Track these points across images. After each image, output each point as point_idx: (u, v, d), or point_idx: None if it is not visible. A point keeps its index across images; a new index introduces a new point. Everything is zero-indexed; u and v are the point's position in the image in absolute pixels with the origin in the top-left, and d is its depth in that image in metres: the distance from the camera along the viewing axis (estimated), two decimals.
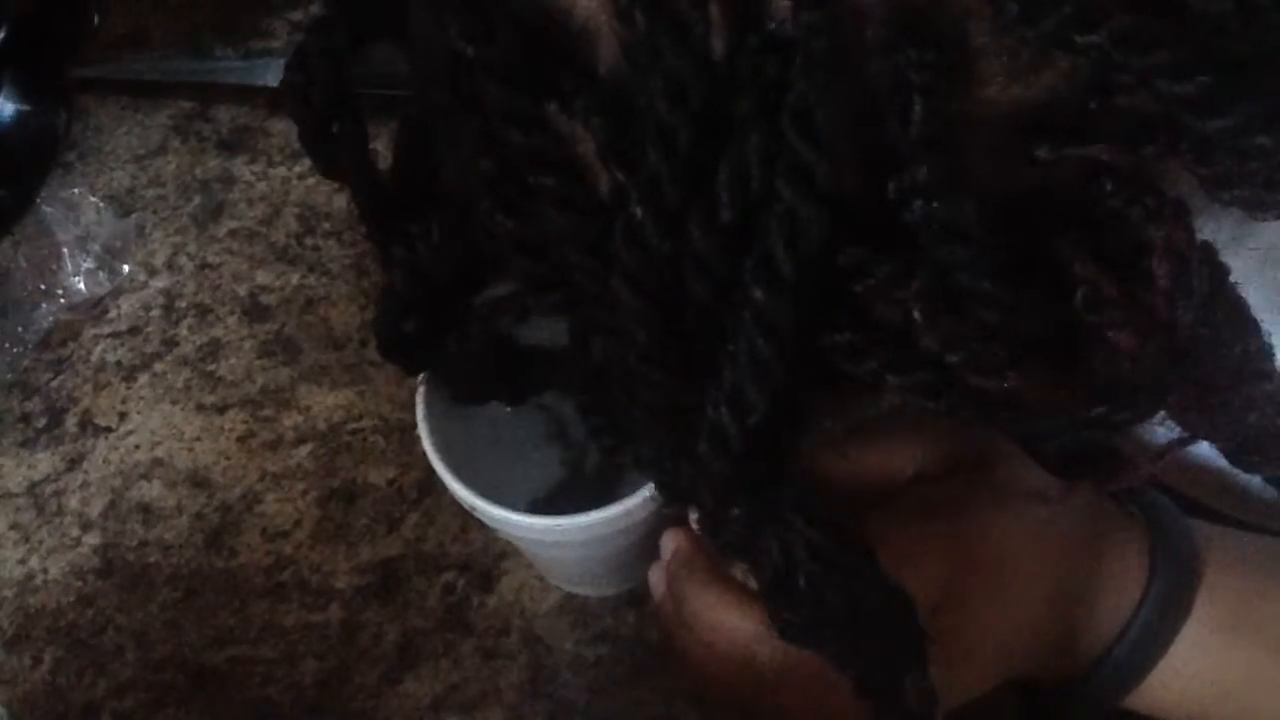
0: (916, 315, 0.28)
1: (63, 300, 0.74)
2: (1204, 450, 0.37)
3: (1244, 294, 0.32)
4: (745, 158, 0.26)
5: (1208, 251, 0.31)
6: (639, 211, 0.27)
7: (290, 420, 0.70)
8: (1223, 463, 0.37)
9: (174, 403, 0.72)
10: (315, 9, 0.87)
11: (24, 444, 0.71)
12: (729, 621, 0.46)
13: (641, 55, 0.26)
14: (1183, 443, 0.36)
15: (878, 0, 0.25)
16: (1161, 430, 0.35)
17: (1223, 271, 0.32)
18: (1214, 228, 0.31)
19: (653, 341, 0.30)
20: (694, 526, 0.50)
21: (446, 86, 0.31)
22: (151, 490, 0.69)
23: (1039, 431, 0.42)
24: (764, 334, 0.28)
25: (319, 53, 0.35)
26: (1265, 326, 0.33)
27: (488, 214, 0.31)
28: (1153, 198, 0.28)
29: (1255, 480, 0.38)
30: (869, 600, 0.36)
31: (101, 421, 0.71)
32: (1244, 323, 0.33)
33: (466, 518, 0.63)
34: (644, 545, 0.52)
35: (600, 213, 0.29)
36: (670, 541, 0.50)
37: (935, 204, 0.26)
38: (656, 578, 0.51)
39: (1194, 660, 0.47)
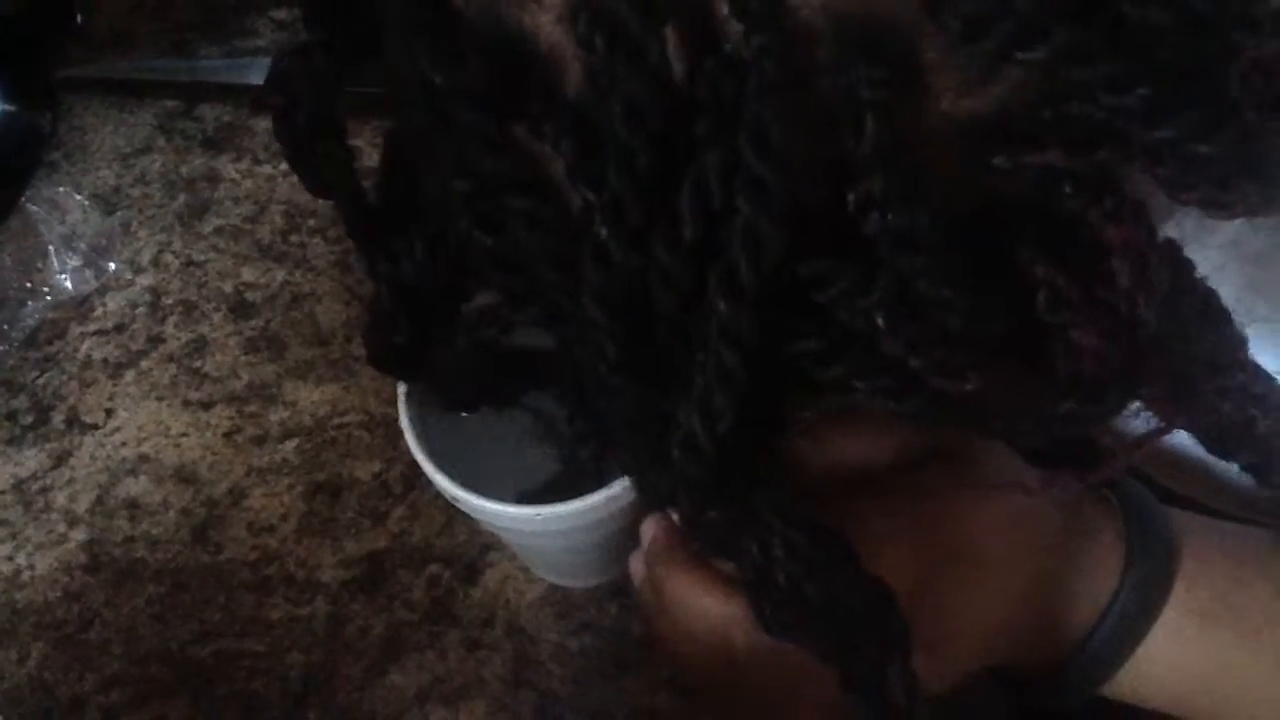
0: (879, 322, 0.29)
1: (49, 298, 0.75)
2: (1182, 440, 0.37)
3: (1216, 285, 0.33)
4: (706, 175, 0.27)
5: (1170, 248, 0.31)
6: (603, 231, 0.28)
7: (276, 416, 0.71)
8: (1200, 451, 0.37)
9: (160, 399, 0.72)
10: (299, 11, 0.87)
11: (11, 441, 0.71)
12: (706, 607, 0.46)
13: (602, 79, 0.27)
14: (1160, 432, 0.36)
15: (827, 21, 0.26)
16: (1139, 421, 0.36)
17: (1187, 267, 0.32)
18: (1174, 225, 0.32)
19: (622, 354, 0.31)
20: (673, 514, 0.50)
21: (421, 110, 0.32)
22: (138, 486, 0.69)
23: (1010, 432, 0.42)
24: (729, 344, 0.29)
25: (302, 75, 0.36)
26: (1237, 318, 0.34)
27: (465, 232, 0.32)
28: (1111, 198, 0.29)
29: (1233, 469, 0.38)
30: (849, 595, 0.36)
31: (88, 418, 0.72)
32: (1213, 314, 0.33)
33: (451, 511, 0.64)
34: (625, 535, 0.53)
35: (569, 231, 0.30)
36: (649, 529, 0.50)
37: (891, 215, 0.27)
38: (636, 565, 0.52)
39: (1171, 648, 0.47)
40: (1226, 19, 0.25)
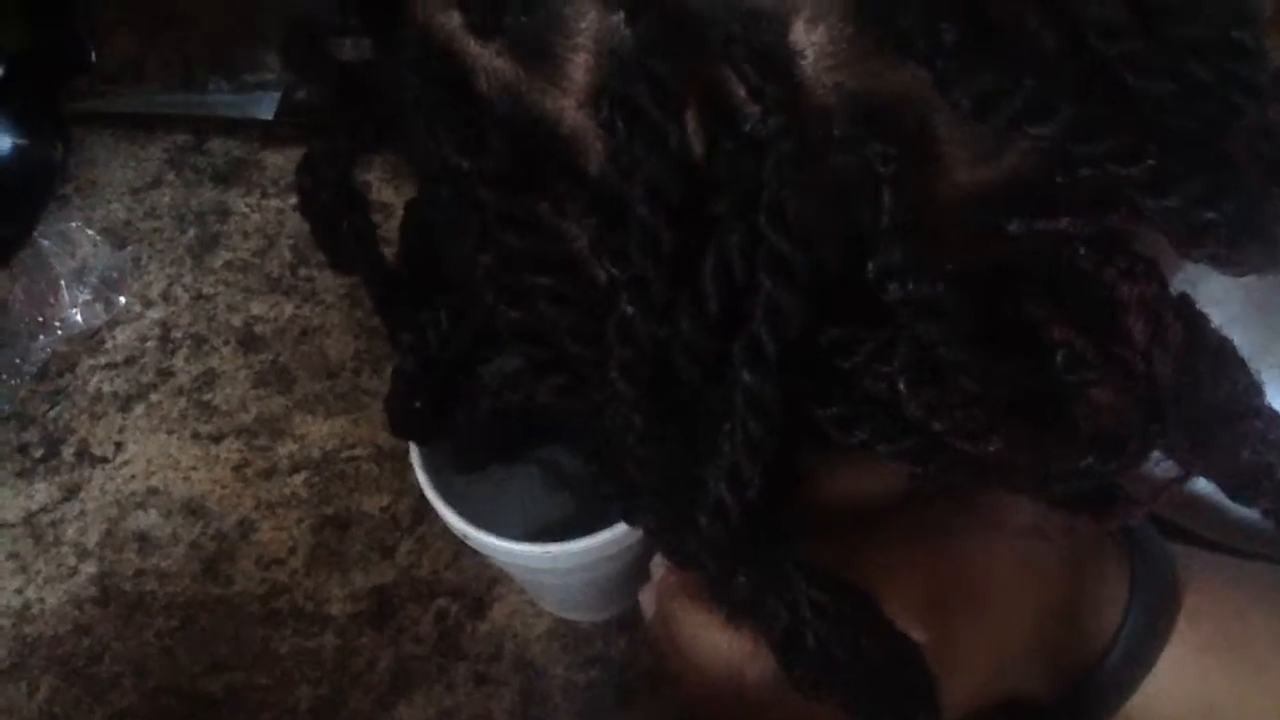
0: (901, 387, 0.30)
1: (60, 332, 0.75)
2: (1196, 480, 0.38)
3: (1231, 334, 0.33)
4: (727, 252, 0.28)
5: (1184, 302, 0.32)
6: (628, 306, 0.29)
7: (285, 449, 0.71)
8: (1206, 487, 0.38)
9: (170, 432, 0.72)
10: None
11: (21, 474, 0.71)
12: (718, 641, 0.46)
13: (624, 160, 0.28)
14: (1179, 480, 0.37)
15: (840, 100, 0.27)
16: (1159, 468, 0.36)
17: (1201, 319, 0.33)
18: (1184, 277, 0.32)
19: (648, 425, 0.31)
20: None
21: (445, 189, 0.32)
22: (148, 519, 0.69)
23: (1031, 488, 0.43)
24: (755, 414, 0.29)
25: (325, 158, 0.36)
26: (1254, 366, 0.34)
27: (490, 305, 0.33)
28: (1124, 258, 0.29)
29: (1251, 511, 0.39)
30: (877, 654, 0.37)
31: (98, 451, 0.72)
32: (1228, 364, 0.34)
33: (459, 544, 0.64)
34: (634, 570, 0.53)
35: (594, 307, 0.30)
36: (661, 563, 0.51)
37: (910, 285, 0.28)
38: (648, 599, 0.52)
39: (1176, 681, 0.48)
40: (1228, 86, 0.25)
